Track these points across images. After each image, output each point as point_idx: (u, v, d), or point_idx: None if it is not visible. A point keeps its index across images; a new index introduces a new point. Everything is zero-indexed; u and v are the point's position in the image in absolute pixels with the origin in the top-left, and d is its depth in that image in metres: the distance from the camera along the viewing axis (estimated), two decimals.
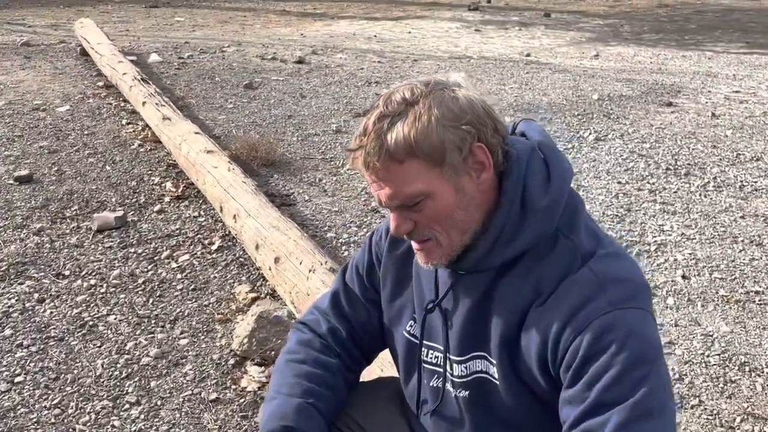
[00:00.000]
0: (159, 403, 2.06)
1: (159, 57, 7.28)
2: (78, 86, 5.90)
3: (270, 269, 2.51)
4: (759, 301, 2.55)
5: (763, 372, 2.13)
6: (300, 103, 5.48)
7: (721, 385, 2.07)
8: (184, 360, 2.26)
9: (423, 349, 1.14)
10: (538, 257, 1.01)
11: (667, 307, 2.51)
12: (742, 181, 3.80)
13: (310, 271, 2.30)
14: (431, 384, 1.14)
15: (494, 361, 1.04)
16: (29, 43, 8.02)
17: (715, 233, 3.13)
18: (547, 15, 12.78)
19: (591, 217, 1.08)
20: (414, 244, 1.05)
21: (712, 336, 2.30)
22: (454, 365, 1.09)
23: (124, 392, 2.10)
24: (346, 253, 2.92)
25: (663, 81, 6.68)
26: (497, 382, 1.04)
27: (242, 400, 2.06)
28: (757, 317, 2.44)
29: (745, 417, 1.93)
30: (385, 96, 0.99)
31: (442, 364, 1.11)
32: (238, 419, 1.99)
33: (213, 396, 2.08)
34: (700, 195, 3.61)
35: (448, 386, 1.11)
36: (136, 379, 2.16)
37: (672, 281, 2.70)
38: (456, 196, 0.98)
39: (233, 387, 2.12)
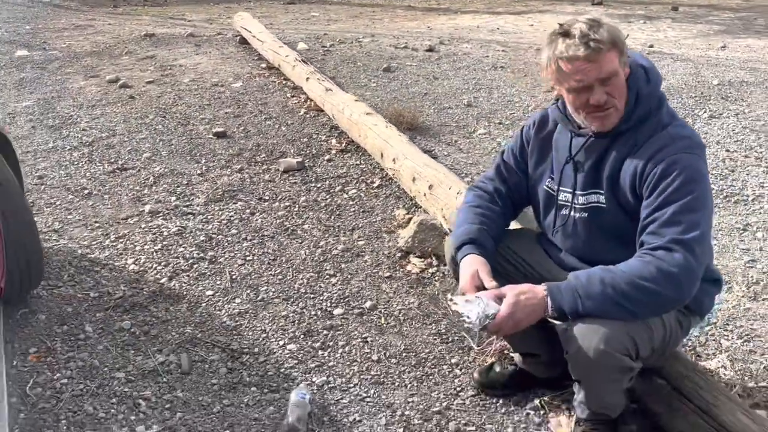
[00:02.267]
0: (349, 276, 2.84)
1: (305, 45, 8.26)
2: (245, 68, 6.95)
3: (425, 195, 3.24)
4: None
5: None
6: (433, 84, 6.20)
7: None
8: (363, 253, 3.04)
9: (559, 192, 1.81)
10: (637, 128, 1.68)
11: (755, 239, 2.99)
12: None
13: (458, 193, 3.01)
14: (561, 212, 1.82)
15: (604, 192, 1.70)
16: (193, 34, 9.29)
17: None
18: (675, 8, 12.72)
19: (671, 108, 1.71)
20: (598, 114, 1.68)
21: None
22: (579, 197, 1.77)
23: (324, 269, 2.90)
24: None
25: None
26: (605, 206, 1.71)
27: (408, 277, 2.81)
28: None
29: None
30: (576, 19, 1.64)
31: (570, 199, 1.80)
32: (407, 288, 2.73)
33: (387, 274, 2.84)
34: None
35: (572, 213, 1.79)
36: (331, 262, 2.96)
37: (763, 222, 3.17)
38: (623, 78, 1.66)
39: (401, 270, 2.87)
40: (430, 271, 2.85)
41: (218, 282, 2.81)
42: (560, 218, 1.83)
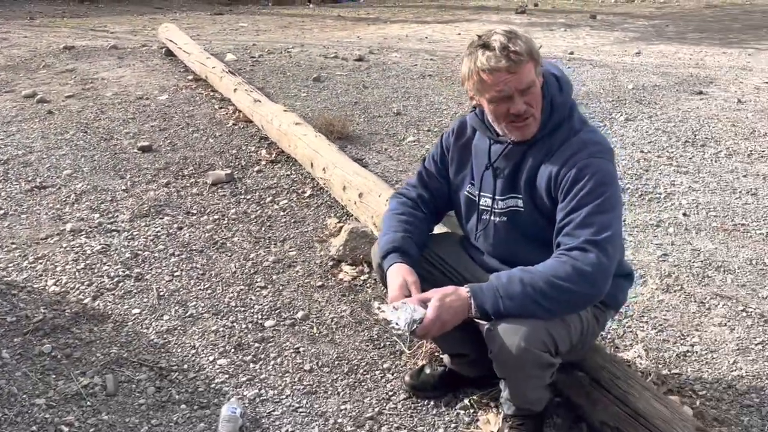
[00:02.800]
0: (280, 287, 2.83)
1: (234, 56, 8.17)
2: (171, 80, 6.82)
3: (355, 203, 3.27)
4: (743, 230, 3.17)
5: (734, 271, 2.77)
6: (363, 93, 6.25)
7: (699, 278, 2.72)
8: (294, 263, 3.03)
9: (480, 197, 1.87)
10: (550, 135, 1.76)
11: (667, 234, 3.16)
12: (751, 151, 4.38)
13: (386, 201, 3.04)
14: (482, 217, 1.87)
15: (521, 196, 1.77)
16: (116, 46, 9.04)
17: (718, 186, 3.75)
18: (593, 17, 13.27)
19: (582, 114, 1.80)
20: (519, 124, 1.75)
21: (699, 250, 2.95)
22: (498, 202, 1.83)
23: (255, 282, 2.88)
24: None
25: (698, 74, 7.20)
26: (523, 209, 1.78)
27: (341, 286, 2.82)
28: (738, 240, 3.07)
29: (714, 296, 2.58)
30: (493, 31, 1.70)
31: (490, 204, 1.86)
32: (340, 296, 2.75)
33: (319, 283, 2.84)
34: (711, 161, 4.21)
35: (492, 217, 1.85)
36: (262, 274, 2.95)
37: (674, 218, 3.35)
38: (539, 87, 1.74)
39: (333, 278, 2.88)
40: (362, 278, 2.87)
41: (145, 299, 2.74)
42: (481, 223, 1.89)
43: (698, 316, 2.47)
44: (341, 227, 3.34)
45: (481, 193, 1.88)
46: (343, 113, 5.47)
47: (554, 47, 9.51)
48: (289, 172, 4.12)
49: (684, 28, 11.65)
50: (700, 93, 6.22)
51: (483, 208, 1.89)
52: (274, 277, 2.92)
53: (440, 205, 2.04)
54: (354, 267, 2.94)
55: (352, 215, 3.41)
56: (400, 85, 6.55)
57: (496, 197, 1.84)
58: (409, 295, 1.77)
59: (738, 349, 2.29)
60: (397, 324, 1.67)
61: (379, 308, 1.76)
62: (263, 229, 3.40)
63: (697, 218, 3.33)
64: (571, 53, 8.93)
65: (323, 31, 11.67)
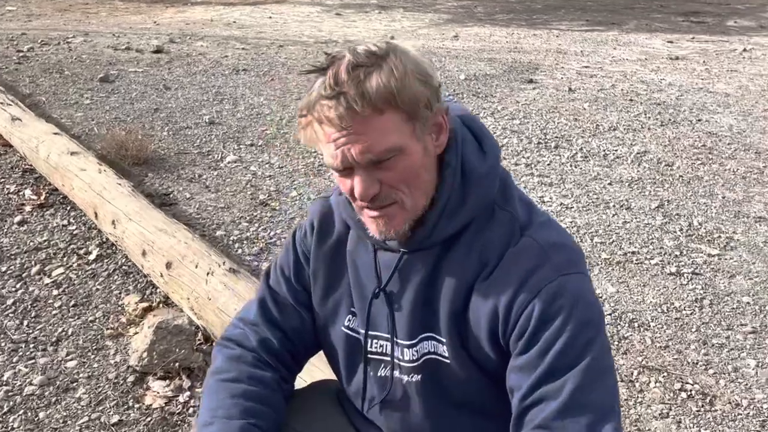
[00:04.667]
0: None
1: None
2: None
3: (161, 276, 2.34)
4: (635, 260, 2.76)
5: (650, 327, 2.32)
6: (165, 95, 5.16)
7: (615, 342, 2.22)
8: (75, 384, 2.06)
9: (368, 340, 1.10)
10: (478, 230, 1.01)
11: None
12: (604, 151, 4.09)
13: (208, 274, 2.17)
14: (379, 374, 1.11)
15: (444, 339, 1.03)
16: None
17: (589, 201, 3.35)
18: None
19: (519, 187, 1.10)
20: (372, 213, 0.99)
21: (601, 297, 2.46)
22: (405, 350, 1.06)
23: (9, 428, 1.87)
24: (239, 251, 2.80)
25: (521, 59, 7.03)
26: (448, 361, 1.03)
27: (148, 419, 1.91)
28: (637, 276, 2.65)
29: (641, 370, 2.09)
30: (349, 50, 0.93)
31: (389, 351, 1.09)
32: None
33: (115, 419, 1.91)
34: (570, 165, 3.84)
35: (397, 373, 1.09)
36: (21, 411, 1.94)
37: None
38: (423, 155, 0.96)
39: (137, 406, 1.96)
40: (180, 399, 1.98)
41: None
42: (377, 383, 1.12)
43: (633, 404, 1.94)
44: (146, 308, 2.40)
45: (372, 332, 1.11)
46: (141, 126, 4.38)
47: (373, 31, 8.98)
48: (66, 222, 3.03)
49: (492, 9, 11.75)
50: (531, 81, 5.98)
51: (376, 356, 1.12)
52: (42, 414, 1.93)
53: (301, 352, 1.20)
54: (167, 382, 2.04)
55: (160, 289, 2.48)
56: (209, 84, 5.53)
57: (399, 340, 1.08)
58: None
59: None
60: None
61: None
62: (26, 323, 2.34)
63: (583, 247, 2.87)
64: (392, 38, 8.44)
65: (112, 15, 10.05)
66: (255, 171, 3.68)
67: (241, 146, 4.06)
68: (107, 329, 2.31)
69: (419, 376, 1.07)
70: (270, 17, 10.00)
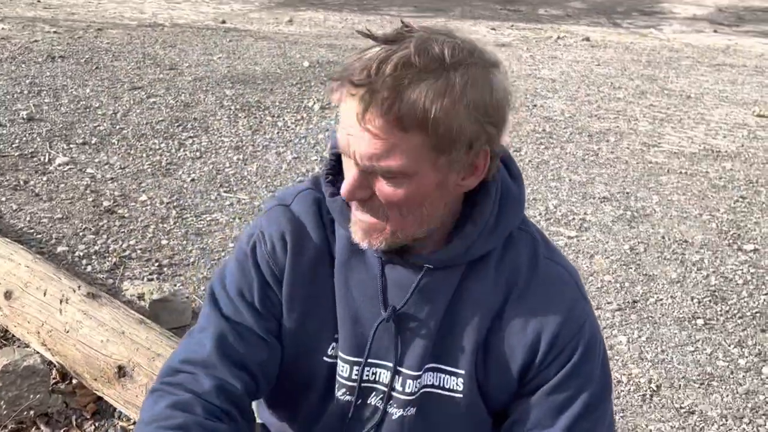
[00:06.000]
0: None
1: None
2: None
3: (1, 309, 1.98)
4: None
5: None
6: None
7: None
8: None
9: (365, 368, 0.95)
10: (503, 251, 0.93)
11: None
12: None
13: (61, 302, 1.87)
14: (368, 402, 0.96)
15: (461, 371, 0.92)
16: None
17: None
18: None
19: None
20: (357, 216, 0.87)
21: None
22: (408, 381, 0.93)
23: None
24: (89, 268, 2.46)
25: (360, 45, 7.02)
26: (458, 396, 0.93)
27: None
28: None
29: None
30: (419, 40, 0.78)
31: (387, 381, 0.95)
32: None
33: None
34: None
35: (389, 408, 0.95)
36: None
37: None
38: (435, 189, 0.83)
39: None
40: None
41: None
42: (363, 414, 0.96)
43: None
44: None
45: (371, 360, 0.95)
46: None
47: (201, 14, 8.49)
48: None
49: None
50: None
51: (369, 386, 0.95)
52: None
53: (263, 393, 1.01)
54: None
55: None
56: (21, 74, 4.85)
57: (405, 371, 0.94)
58: None
59: None
60: None
61: None
62: None
63: None
64: (223, 22, 8.04)
65: None
66: (93, 174, 3.27)
67: (71, 146, 3.59)
68: None
69: (414, 410, 0.95)
70: None
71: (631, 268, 2.75)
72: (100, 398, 1.84)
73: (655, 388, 2.07)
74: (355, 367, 0.94)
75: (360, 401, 0.97)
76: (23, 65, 5.08)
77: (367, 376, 0.95)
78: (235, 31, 7.39)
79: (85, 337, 1.78)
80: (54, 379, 1.91)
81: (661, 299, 2.54)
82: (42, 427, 1.77)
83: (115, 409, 1.81)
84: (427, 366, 0.93)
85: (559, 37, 8.31)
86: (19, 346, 1.98)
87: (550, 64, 6.64)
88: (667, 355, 2.23)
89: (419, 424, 0.95)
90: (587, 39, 8.27)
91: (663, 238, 3.03)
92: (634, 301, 2.52)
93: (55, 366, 1.91)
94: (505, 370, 0.92)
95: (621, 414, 1.96)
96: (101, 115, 4.09)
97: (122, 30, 6.88)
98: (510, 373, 0.92)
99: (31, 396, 1.78)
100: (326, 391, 0.97)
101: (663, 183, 3.67)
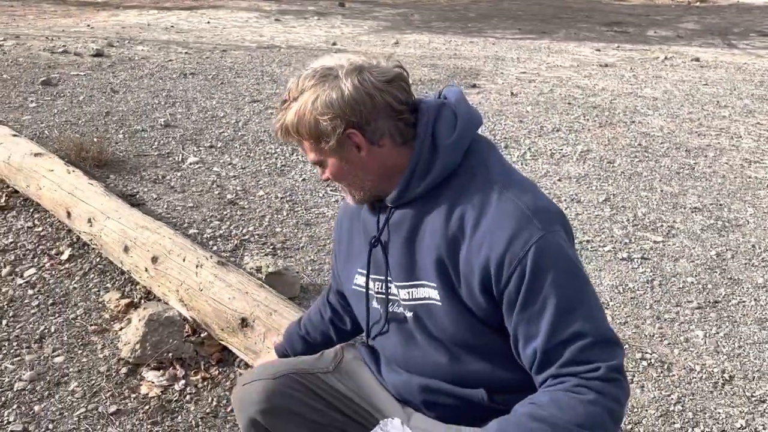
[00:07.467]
0: (51, 426, 1.87)
1: None
2: None
3: (146, 271, 2.37)
4: (590, 248, 2.99)
5: (609, 306, 2.53)
6: (114, 99, 5.10)
7: None
8: (66, 378, 2.07)
9: (370, 281, 1.29)
10: (459, 189, 1.17)
11: None
12: (551, 150, 4.35)
13: (197, 266, 2.23)
14: (378, 308, 1.31)
15: (434, 284, 1.18)
16: None
17: None
18: (342, 5, 13.15)
19: (505, 159, 1.25)
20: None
21: None
22: (399, 290, 1.24)
23: (5, 422, 1.87)
24: (215, 247, 2.84)
25: (462, 65, 7.28)
26: (440, 303, 1.18)
27: (147, 407, 1.95)
28: (593, 262, 2.87)
29: None
30: (298, 76, 1.19)
31: (383, 289, 1.27)
32: (148, 426, 1.89)
33: (113, 408, 1.94)
34: (521, 164, 4.06)
35: (393, 308, 1.27)
36: (15, 406, 1.94)
37: None
38: (343, 165, 1.20)
39: (133, 396, 2.00)
40: (176, 388, 2.03)
41: None
42: (377, 316, 1.32)
43: None
44: (128, 304, 2.42)
45: (372, 276, 1.30)
46: (93, 128, 4.33)
47: (314, 37, 9.08)
48: (31, 224, 3.00)
49: (428, 17, 12.05)
50: (475, 86, 6.23)
51: (378, 296, 1.30)
52: (37, 408, 1.94)
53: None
54: (161, 372, 2.08)
55: (139, 284, 2.50)
56: (158, 87, 5.49)
57: (395, 282, 1.26)
58: None
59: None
60: None
61: None
62: (5, 322, 2.32)
63: None
64: (334, 44, 8.57)
65: (41, 18, 9.74)
66: (218, 172, 3.71)
67: (200, 148, 4.08)
68: (91, 326, 2.33)
69: (412, 313, 1.23)
70: (208, 22, 9.94)
71: (715, 272, 2.81)
72: (224, 348, 2.17)
73: (728, 378, 2.15)
74: (364, 278, 1.31)
75: (374, 306, 1.32)
76: (160, 81, 5.74)
77: (374, 288, 1.30)
78: (344, 52, 7.88)
79: (216, 294, 2.12)
80: (186, 332, 2.27)
81: (744, 301, 2.59)
82: (178, 367, 2.12)
83: (236, 357, 2.13)
84: (408, 280, 1.22)
85: (666, 58, 8.19)
86: (162, 303, 2.37)
87: (653, 83, 6.61)
88: (743, 350, 2.29)
89: (419, 322, 1.23)
90: (697, 59, 8.10)
91: (753, 246, 3.04)
92: (716, 302, 2.58)
93: (188, 321, 2.28)
94: (468, 284, 1.15)
95: (690, 397, 2.06)
96: (225, 123, 4.59)
97: (244, 51, 7.53)
98: (473, 287, 1.15)
99: (170, 341, 2.14)
100: (358, 308, 1.37)
101: (761, 197, 3.64)
